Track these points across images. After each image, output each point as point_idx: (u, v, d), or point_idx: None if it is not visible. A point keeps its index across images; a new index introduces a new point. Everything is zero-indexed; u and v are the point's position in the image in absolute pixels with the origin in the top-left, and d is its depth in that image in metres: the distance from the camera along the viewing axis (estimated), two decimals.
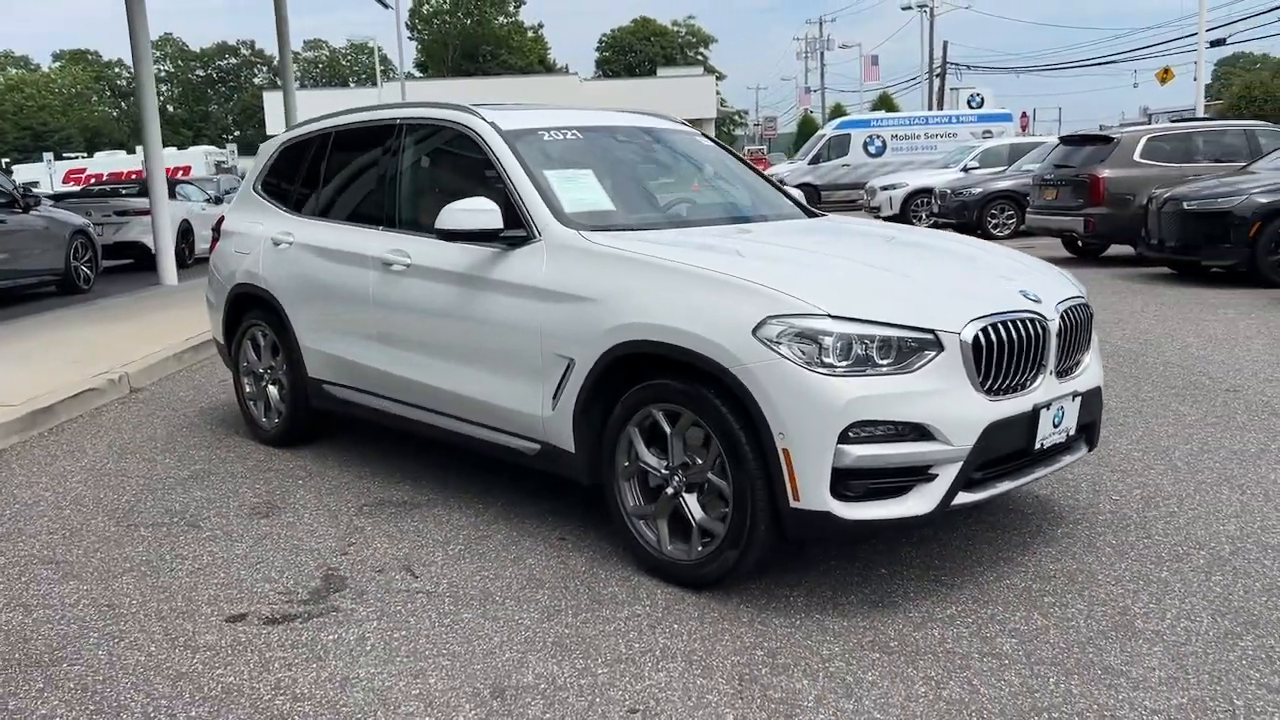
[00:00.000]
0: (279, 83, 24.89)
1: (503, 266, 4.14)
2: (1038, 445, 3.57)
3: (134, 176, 32.43)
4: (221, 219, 6.06)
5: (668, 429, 3.60)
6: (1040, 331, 3.56)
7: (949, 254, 4.17)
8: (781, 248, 4.08)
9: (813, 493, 3.24)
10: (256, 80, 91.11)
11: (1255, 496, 4.41)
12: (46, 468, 5.42)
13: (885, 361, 3.27)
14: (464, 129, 4.56)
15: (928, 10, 51.37)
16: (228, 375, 7.68)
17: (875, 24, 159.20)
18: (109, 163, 44.03)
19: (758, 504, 3.36)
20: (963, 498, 3.37)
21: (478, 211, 4.09)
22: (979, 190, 18.75)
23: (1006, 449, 3.48)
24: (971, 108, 35.20)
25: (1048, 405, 3.57)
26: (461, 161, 4.75)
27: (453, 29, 79.83)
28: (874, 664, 3.08)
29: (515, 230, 4.12)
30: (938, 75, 56.47)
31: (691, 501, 3.58)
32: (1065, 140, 15.27)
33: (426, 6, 79.03)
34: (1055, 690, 2.90)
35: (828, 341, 3.23)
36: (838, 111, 64.67)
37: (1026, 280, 3.79)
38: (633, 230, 4.15)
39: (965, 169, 21.14)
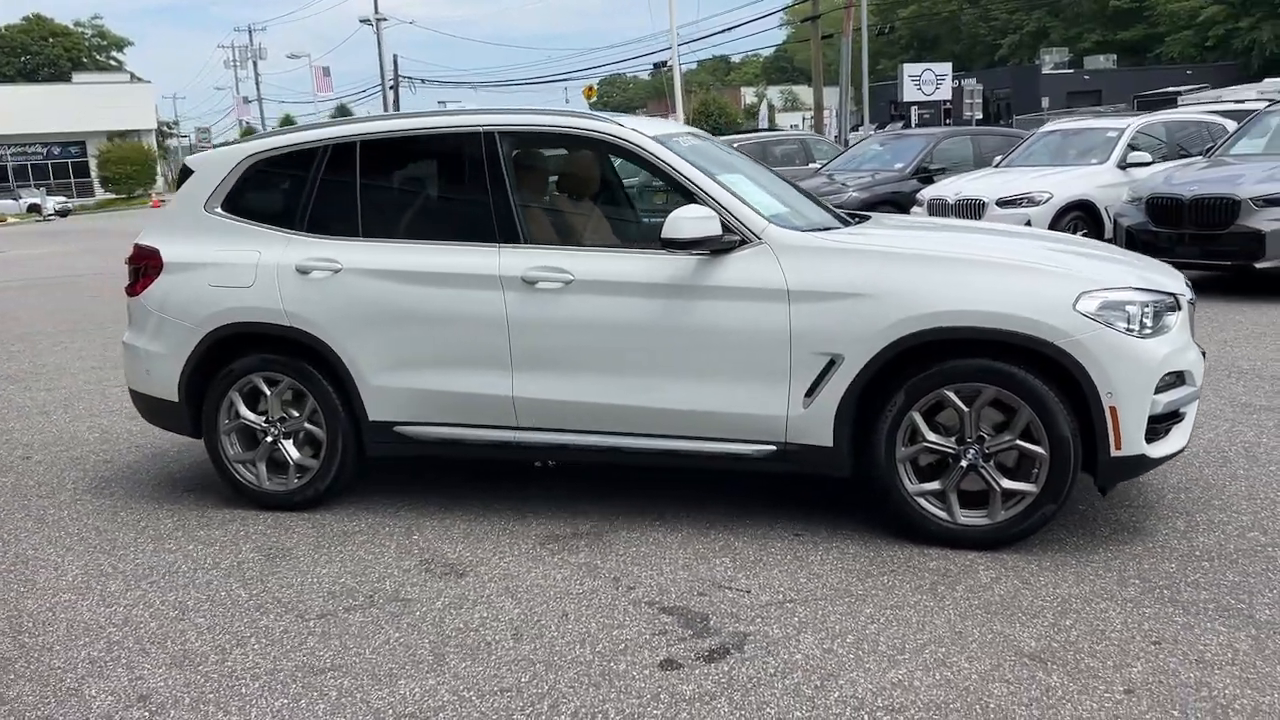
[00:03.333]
0: None
1: (721, 272, 4.11)
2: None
3: None
4: (142, 250, 4.91)
5: (964, 407, 3.93)
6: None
7: (1084, 241, 4.92)
8: (996, 240, 4.62)
9: (1133, 440, 3.83)
10: None
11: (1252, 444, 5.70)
12: (23, 582, 4.10)
13: (1152, 323, 3.94)
14: (609, 138, 4.37)
15: (378, 24, 52.14)
16: (41, 440, 6.12)
17: (319, 34, 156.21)
18: None
19: (1075, 459, 3.86)
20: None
21: (703, 219, 4.05)
22: None
23: None
24: None
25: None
26: (610, 171, 4.53)
27: None
28: (1249, 586, 3.63)
29: (729, 235, 4.13)
30: (391, 87, 57.55)
31: (992, 470, 3.96)
32: None
33: None
34: None
35: (1133, 310, 3.84)
36: (287, 122, 62.76)
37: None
38: (825, 230, 4.36)
39: None
